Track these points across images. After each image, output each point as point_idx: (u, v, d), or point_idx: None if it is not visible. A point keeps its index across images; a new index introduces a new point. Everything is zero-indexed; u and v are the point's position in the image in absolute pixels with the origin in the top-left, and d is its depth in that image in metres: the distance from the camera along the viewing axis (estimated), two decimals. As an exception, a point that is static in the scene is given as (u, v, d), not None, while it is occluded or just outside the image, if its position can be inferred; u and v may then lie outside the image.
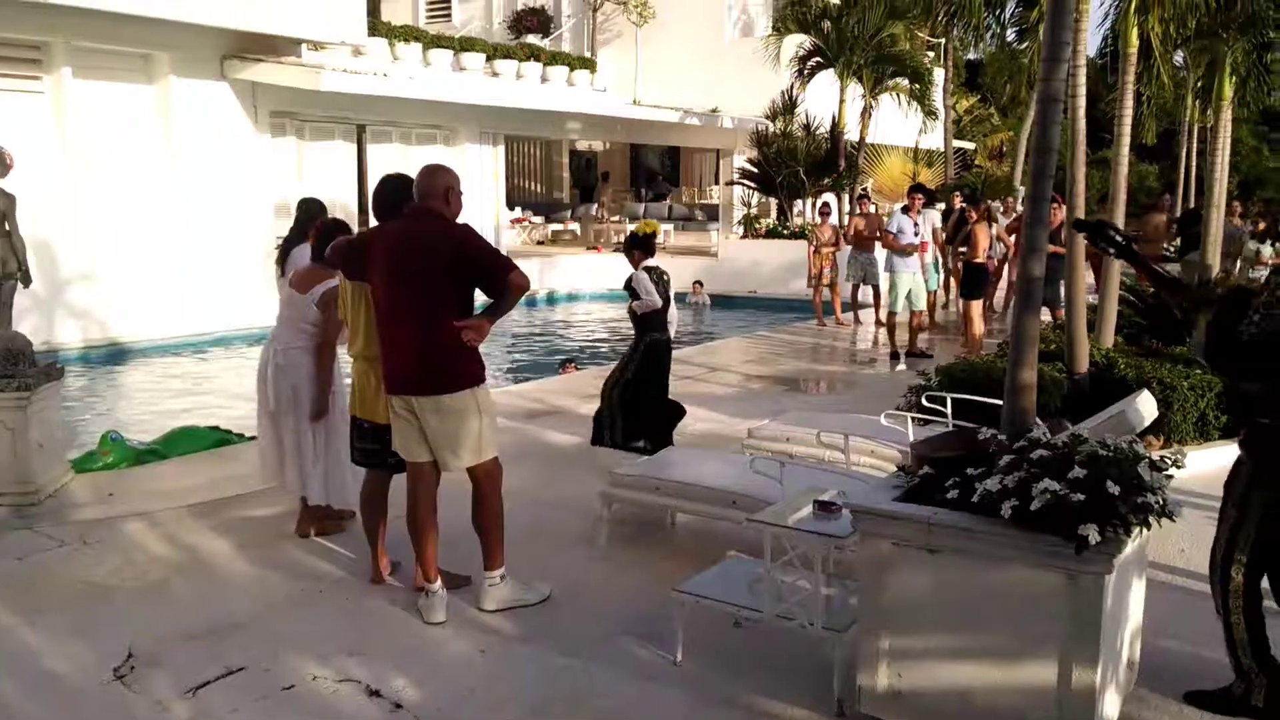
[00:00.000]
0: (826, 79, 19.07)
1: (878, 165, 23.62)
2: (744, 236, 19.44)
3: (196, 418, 9.02)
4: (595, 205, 25.35)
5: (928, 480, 3.47)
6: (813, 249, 14.27)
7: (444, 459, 4.45)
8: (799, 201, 20.12)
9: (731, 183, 20.89)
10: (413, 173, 4.54)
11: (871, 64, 18.17)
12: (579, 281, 19.32)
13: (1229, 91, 9.61)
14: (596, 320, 17.77)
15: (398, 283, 4.30)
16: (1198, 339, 3.64)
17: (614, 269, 19.47)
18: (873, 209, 14.65)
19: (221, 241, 14.01)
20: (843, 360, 11.98)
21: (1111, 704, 3.32)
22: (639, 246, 6.51)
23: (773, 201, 20.50)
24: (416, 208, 4.42)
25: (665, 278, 6.51)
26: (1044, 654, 3.12)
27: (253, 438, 6.55)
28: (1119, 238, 3.78)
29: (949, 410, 6.06)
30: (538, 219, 24.43)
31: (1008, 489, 3.04)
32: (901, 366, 11.11)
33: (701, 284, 17.93)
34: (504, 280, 4.28)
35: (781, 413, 8.11)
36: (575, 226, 24.23)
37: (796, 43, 19.60)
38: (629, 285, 6.38)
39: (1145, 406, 5.33)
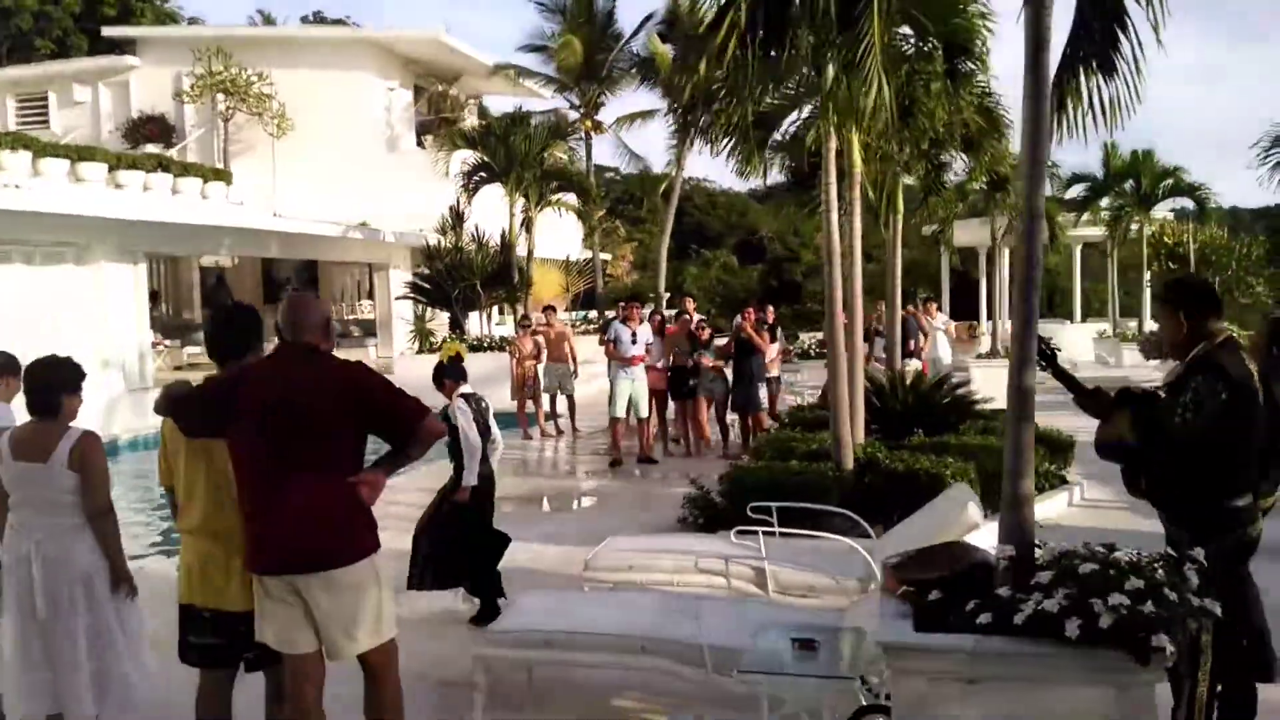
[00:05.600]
0: (493, 192, 19.25)
1: (539, 276, 24.07)
2: (419, 351, 18.78)
3: None
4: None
5: (935, 604, 3.35)
6: (515, 361, 14.07)
7: (335, 644, 3.64)
8: (474, 313, 19.90)
9: (403, 297, 20.23)
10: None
11: (539, 179, 18.59)
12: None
13: (900, 204, 10.82)
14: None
15: (278, 436, 3.52)
16: (1112, 432, 3.93)
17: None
18: (560, 318, 14.86)
19: None
20: (572, 472, 11.79)
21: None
22: (450, 375, 5.93)
23: (444, 315, 20.08)
24: (292, 345, 3.68)
25: (484, 405, 5.98)
26: (1097, 770, 3.07)
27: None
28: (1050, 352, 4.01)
29: (775, 519, 6.09)
30: (172, 342, 22.10)
31: (1066, 608, 2.98)
32: (630, 471, 11.12)
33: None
34: (414, 428, 3.66)
35: (556, 535, 7.83)
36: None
37: (461, 158, 19.63)
38: (445, 418, 5.69)
39: (970, 501, 5.66)
